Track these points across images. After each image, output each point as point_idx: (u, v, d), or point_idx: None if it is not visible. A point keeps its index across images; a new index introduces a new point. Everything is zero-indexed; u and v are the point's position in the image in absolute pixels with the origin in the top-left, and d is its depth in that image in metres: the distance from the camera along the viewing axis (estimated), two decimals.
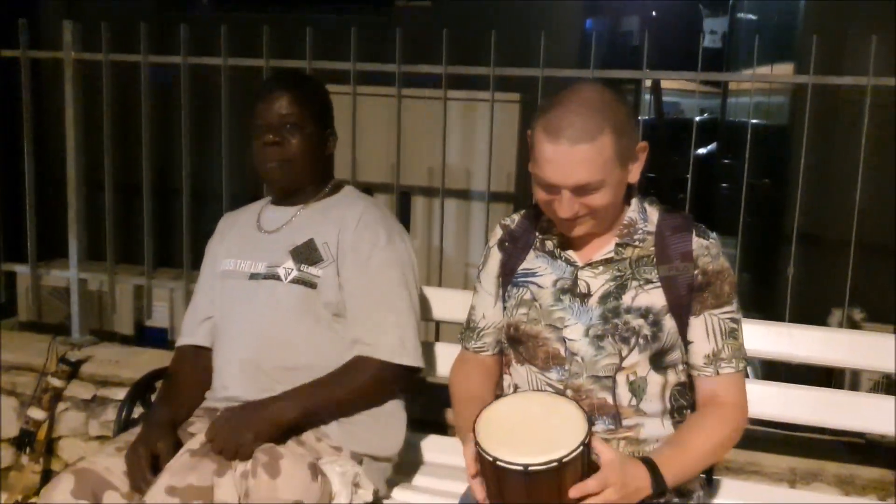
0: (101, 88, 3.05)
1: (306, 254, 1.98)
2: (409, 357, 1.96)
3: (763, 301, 4.45)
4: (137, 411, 2.27)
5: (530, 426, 1.49)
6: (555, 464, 1.39)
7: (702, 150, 10.14)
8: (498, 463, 1.40)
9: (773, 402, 2.15)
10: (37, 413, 2.90)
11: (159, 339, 3.60)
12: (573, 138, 1.55)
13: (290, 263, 1.97)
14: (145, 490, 1.75)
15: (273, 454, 1.74)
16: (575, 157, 1.56)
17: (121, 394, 2.89)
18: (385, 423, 1.99)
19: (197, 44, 2.99)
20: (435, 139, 2.93)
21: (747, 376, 1.77)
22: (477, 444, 1.44)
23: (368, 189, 2.19)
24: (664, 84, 8.74)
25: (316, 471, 1.77)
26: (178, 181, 3.03)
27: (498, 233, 1.87)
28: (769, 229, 4.73)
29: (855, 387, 2.76)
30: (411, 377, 2.01)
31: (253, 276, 2.01)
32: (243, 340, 1.97)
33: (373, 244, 1.98)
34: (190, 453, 1.80)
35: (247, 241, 2.07)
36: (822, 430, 2.60)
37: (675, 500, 1.74)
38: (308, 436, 1.89)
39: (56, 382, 2.92)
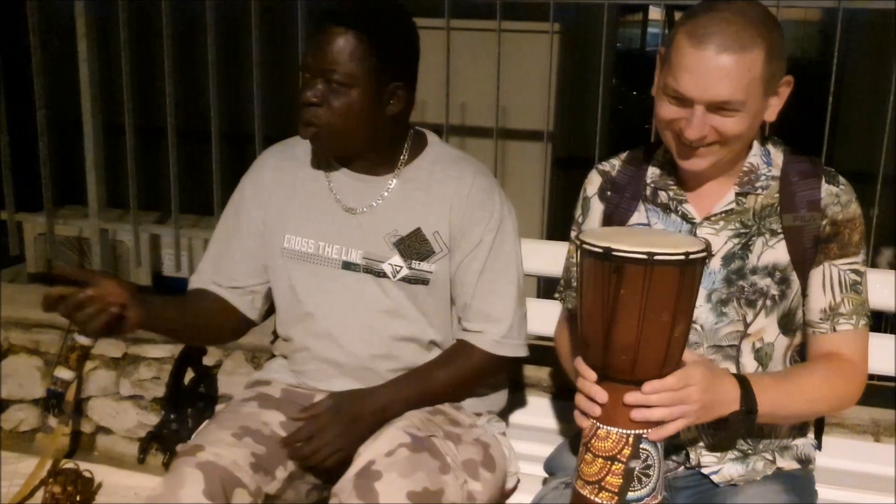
0: (116, 24, 2.81)
1: (416, 247, 1.74)
2: (514, 347, 1.81)
3: None
4: (188, 376, 2.14)
5: (641, 237, 1.37)
6: (681, 256, 1.22)
7: None
8: (614, 253, 1.22)
9: None
10: (64, 373, 2.70)
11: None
12: (721, 45, 1.37)
13: (397, 259, 1.74)
14: None
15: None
16: (719, 67, 1.38)
17: (153, 351, 2.76)
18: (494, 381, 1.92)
19: None
20: (466, 74, 2.80)
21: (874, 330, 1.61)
22: (582, 242, 1.27)
23: (437, 130, 1.96)
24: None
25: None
26: (202, 122, 2.81)
27: (596, 180, 1.70)
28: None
29: None
30: (515, 362, 1.85)
31: (347, 266, 1.76)
32: (354, 344, 1.78)
33: (484, 225, 1.75)
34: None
35: (326, 219, 1.78)
36: None
37: (796, 466, 1.63)
38: (445, 406, 1.79)
39: (83, 340, 2.70)
